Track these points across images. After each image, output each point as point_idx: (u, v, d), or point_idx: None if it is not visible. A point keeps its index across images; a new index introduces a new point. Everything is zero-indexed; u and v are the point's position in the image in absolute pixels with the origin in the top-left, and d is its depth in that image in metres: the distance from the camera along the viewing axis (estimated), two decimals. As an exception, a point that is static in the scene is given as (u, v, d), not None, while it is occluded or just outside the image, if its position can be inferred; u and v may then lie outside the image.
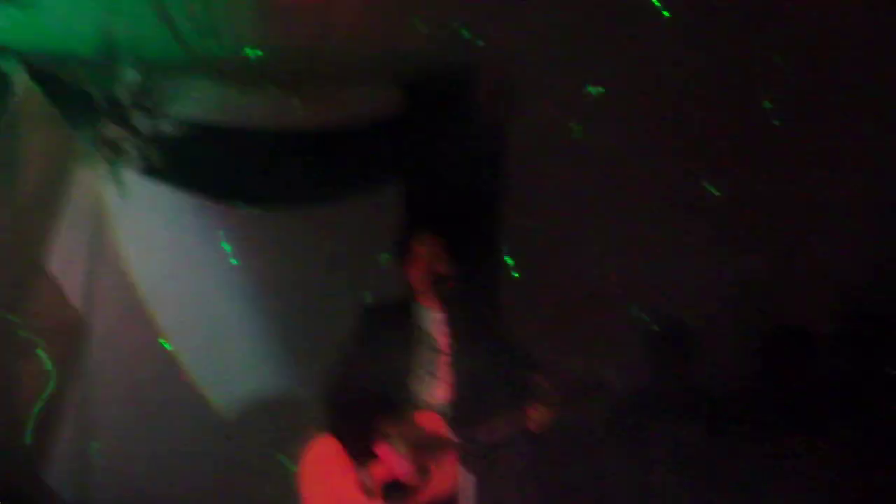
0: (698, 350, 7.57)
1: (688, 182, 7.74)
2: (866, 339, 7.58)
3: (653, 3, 7.17)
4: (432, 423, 5.99)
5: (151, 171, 6.96)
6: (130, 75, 6.78)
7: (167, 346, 7.15)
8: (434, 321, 6.13)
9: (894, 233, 7.52)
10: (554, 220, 7.70)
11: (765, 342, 7.52)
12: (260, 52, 6.95)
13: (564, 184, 7.61)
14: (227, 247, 7.27)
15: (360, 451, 5.93)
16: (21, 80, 6.67)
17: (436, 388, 6.08)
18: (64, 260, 6.88)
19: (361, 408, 5.95)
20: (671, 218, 7.71)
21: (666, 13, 7.23)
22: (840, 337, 7.63)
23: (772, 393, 7.44)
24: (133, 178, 6.93)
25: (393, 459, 5.91)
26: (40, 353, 6.81)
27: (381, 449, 5.92)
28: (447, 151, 7.41)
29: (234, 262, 7.28)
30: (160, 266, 7.19)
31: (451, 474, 5.78)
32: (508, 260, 7.59)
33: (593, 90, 7.55)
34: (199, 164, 7.05)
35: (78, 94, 6.82)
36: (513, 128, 7.64)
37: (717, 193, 7.73)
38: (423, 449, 5.93)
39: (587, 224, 7.73)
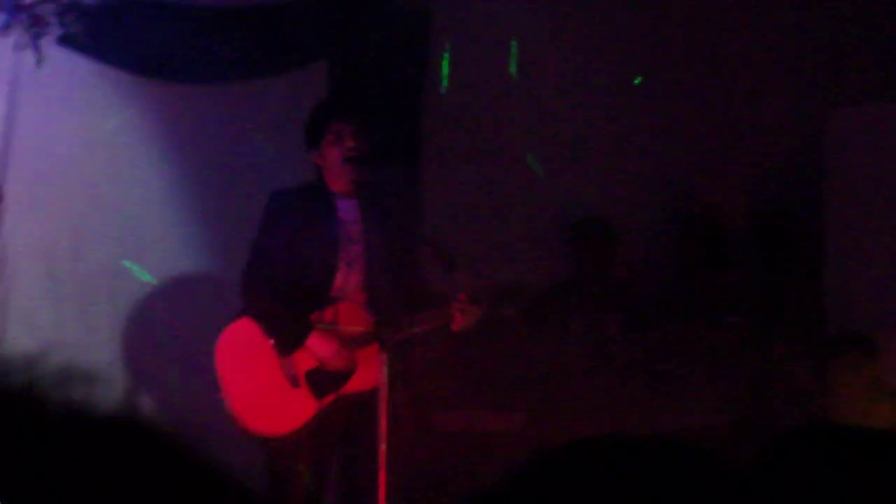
0: (615, 243, 7.64)
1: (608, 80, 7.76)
2: (774, 234, 7.72)
3: None
4: (354, 312, 5.99)
5: (70, 40, 6.81)
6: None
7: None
8: (346, 209, 6.09)
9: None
10: (475, 115, 7.68)
11: (679, 233, 7.63)
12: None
13: (487, 75, 7.58)
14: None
15: (284, 339, 5.90)
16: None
17: (352, 278, 6.06)
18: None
19: (283, 296, 5.92)
20: (593, 104, 7.73)
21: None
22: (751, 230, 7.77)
23: (685, 282, 7.56)
24: (51, 47, 6.77)
25: (317, 348, 5.90)
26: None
27: (313, 338, 5.91)
28: (371, 36, 7.34)
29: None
30: (75, 136, 7.06)
31: (374, 364, 5.79)
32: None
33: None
34: (120, 35, 6.90)
35: (-3, -43, 6.63)
36: (437, 15, 7.58)
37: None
38: (347, 338, 5.94)
39: (510, 118, 7.72)
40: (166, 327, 7.03)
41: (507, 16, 7.49)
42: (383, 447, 5.59)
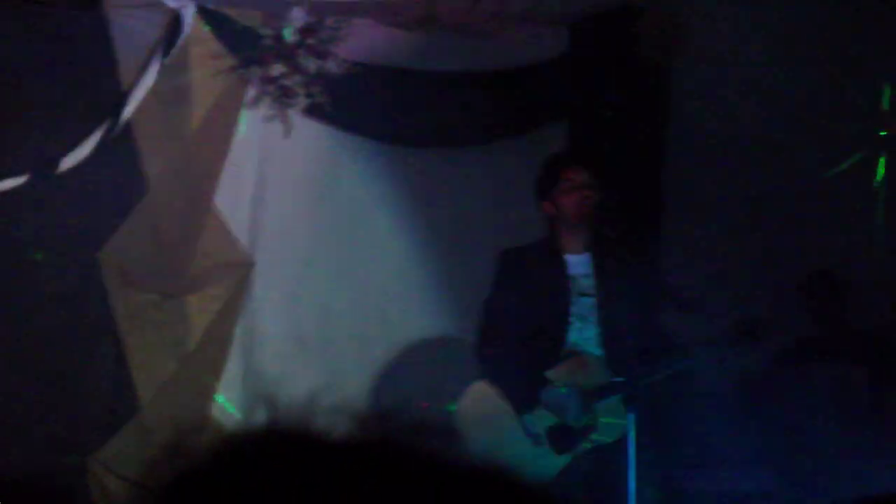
0: (853, 292, 7.47)
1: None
2: None
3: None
4: (588, 367, 5.97)
5: (315, 110, 6.98)
6: (298, 14, 6.79)
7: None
8: (576, 263, 6.08)
9: None
10: (716, 167, 7.62)
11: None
12: (427, -7, 6.93)
13: (729, 126, 7.53)
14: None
15: (522, 397, 5.91)
16: (190, 16, 6.69)
17: (587, 332, 6.05)
18: (231, 199, 6.93)
19: (518, 354, 5.94)
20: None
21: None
22: None
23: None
24: (297, 118, 6.95)
25: (554, 407, 5.89)
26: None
27: (548, 395, 5.91)
28: (610, 93, 7.34)
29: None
30: (320, 205, 7.22)
31: (616, 415, 5.77)
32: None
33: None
34: (364, 104, 7.04)
35: (245, 32, 6.84)
36: (678, 69, 7.55)
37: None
38: (587, 392, 5.92)
39: (747, 172, 7.64)
40: (411, 390, 7.09)
41: (746, 67, 7.43)
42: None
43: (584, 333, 6.05)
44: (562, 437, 5.91)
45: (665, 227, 7.58)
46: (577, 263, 6.09)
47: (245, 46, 6.84)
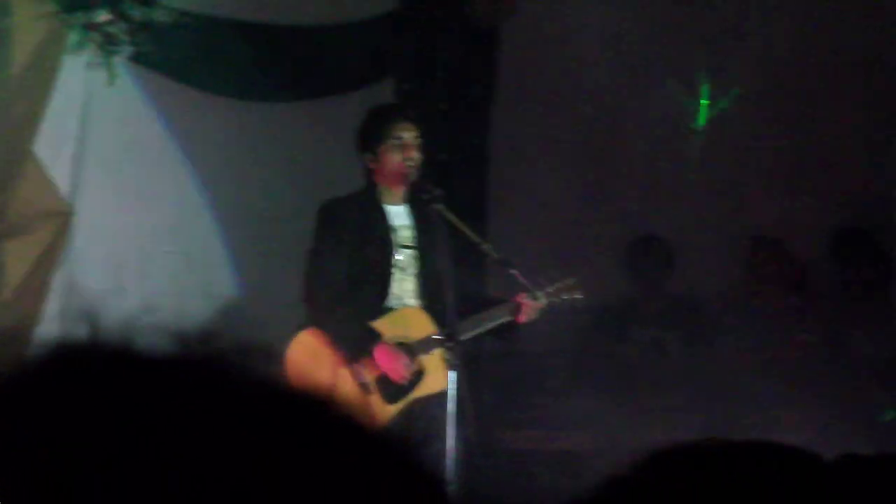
0: (672, 261, 7.63)
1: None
2: (843, 252, 7.65)
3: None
4: (415, 317, 6.01)
5: (140, 58, 6.87)
6: (124, -39, 6.68)
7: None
8: (396, 214, 6.10)
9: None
10: (540, 128, 7.69)
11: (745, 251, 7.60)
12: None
13: (555, 93, 7.60)
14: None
15: (351, 347, 5.93)
16: (11, -39, 6.52)
17: (405, 283, 6.08)
18: (52, 146, 6.79)
19: (344, 304, 5.95)
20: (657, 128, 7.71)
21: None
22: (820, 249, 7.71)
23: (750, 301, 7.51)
24: (122, 66, 6.83)
25: (385, 355, 5.91)
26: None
27: (380, 346, 5.93)
28: (440, 52, 7.36)
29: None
30: (146, 155, 7.12)
31: (441, 370, 5.82)
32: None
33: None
34: (190, 53, 6.95)
35: (70, -22, 6.70)
36: (506, 32, 7.60)
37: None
38: (412, 344, 5.96)
39: (574, 132, 7.72)
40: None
41: (573, 30, 7.49)
42: (447, 462, 5.59)
43: (403, 285, 6.08)
44: (391, 387, 5.93)
45: (491, 186, 7.64)
46: (397, 215, 6.11)
47: (70, -8, 6.70)
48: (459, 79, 7.40)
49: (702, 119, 7.67)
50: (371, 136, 6.10)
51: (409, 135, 6.03)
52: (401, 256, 6.07)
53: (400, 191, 6.07)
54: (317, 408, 1.00)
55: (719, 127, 7.71)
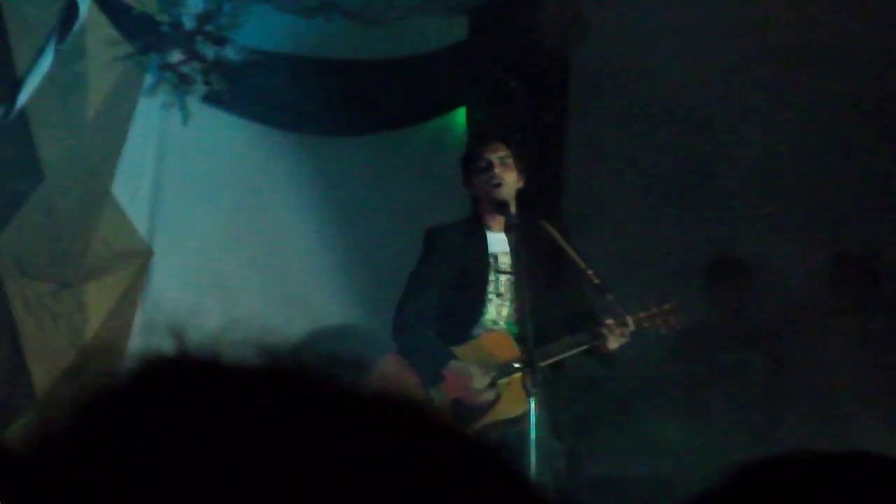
0: (755, 283, 7.57)
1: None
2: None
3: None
4: (501, 343, 6.02)
5: (214, 97, 6.93)
6: (196, 1, 6.76)
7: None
8: (497, 241, 6.12)
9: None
10: (616, 153, 7.67)
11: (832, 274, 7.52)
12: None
13: (625, 120, 7.59)
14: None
15: (430, 370, 5.95)
16: (86, 2, 6.61)
17: (502, 309, 6.10)
18: (129, 186, 6.86)
19: (430, 328, 5.99)
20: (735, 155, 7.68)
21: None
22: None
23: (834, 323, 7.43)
24: (196, 105, 6.90)
25: (452, 375, 5.93)
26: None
27: (451, 369, 5.94)
28: (510, 81, 7.38)
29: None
30: (222, 193, 7.17)
31: (519, 395, 5.81)
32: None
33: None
34: (262, 91, 7.01)
35: (142, 18, 6.77)
36: (577, 60, 7.60)
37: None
38: (493, 367, 5.96)
39: (649, 158, 7.70)
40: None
41: (646, 56, 7.48)
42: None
43: (502, 311, 6.11)
44: (461, 411, 5.93)
45: (568, 212, 7.63)
46: (498, 241, 6.13)
47: (142, 33, 6.78)
48: (532, 106, 7.40)
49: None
50: (465, 163, 6.15)
51: (495, 155, 6.04)
52: (499, 282, 6.11)
53: (497, 215, 6.08)
54: (411, 416, 1.00)
55: (801, 143, 7.65)
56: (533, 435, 5.60)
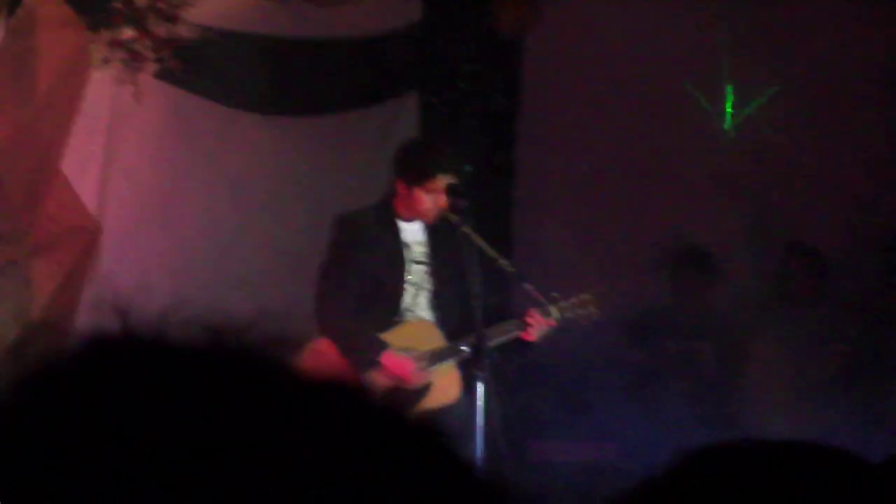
0: (716, 273, 7.59)
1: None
2: (878, 258, 7.62)
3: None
4: (424, 331, 6.04)
5: (166, 74, 6.90)
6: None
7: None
8: (410, 231, 6.11)
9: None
10: (566, 139, 7.68)
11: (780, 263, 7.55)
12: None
13: (580, 107, 7.59)
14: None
15: (359, 357, 5.95)
16: (36, -22, 6.55)
17: (417, 297, 6.11)
18: (78, 163, 6.82)
19: (354, 315, 5.99)
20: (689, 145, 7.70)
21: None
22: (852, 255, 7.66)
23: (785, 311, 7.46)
24: (147, 81, 6.86)
25: (392, 361, 5.94)
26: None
27: (388, 356, 5.95)
28: (464, 65, 7.38)
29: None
30: (171, 168, 7.15)
31: (452, 382, 5.85)
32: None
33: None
34: (215, 68, 6.98)
35: (95, -5, 6.74)
36: (530, 44, 7.60)
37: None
38: (421, 355, 5.98)
39: (602, 145, 7.71)
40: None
41: (599, 42, 7.49)
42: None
43: (417, 300, 6.12)
44: (398, 399, 5.93)
45: (518, 198, 7.63)
46: (411, 231, 6.12)
47: (94, 9, 6.72)
48: (484, 91, 7.40)
49: (727, 124, 7.65)
50: (411, 169, 6.04)
51: (445, 182, 5.99)
52: (413, 272, 6.11)
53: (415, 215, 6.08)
54: (352, 396, 1.00)
55: (751, 133, 7.69)
56: (480, 421, 5.62)
